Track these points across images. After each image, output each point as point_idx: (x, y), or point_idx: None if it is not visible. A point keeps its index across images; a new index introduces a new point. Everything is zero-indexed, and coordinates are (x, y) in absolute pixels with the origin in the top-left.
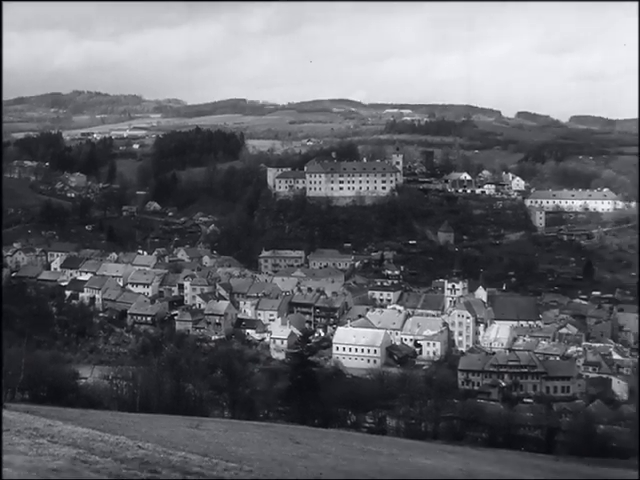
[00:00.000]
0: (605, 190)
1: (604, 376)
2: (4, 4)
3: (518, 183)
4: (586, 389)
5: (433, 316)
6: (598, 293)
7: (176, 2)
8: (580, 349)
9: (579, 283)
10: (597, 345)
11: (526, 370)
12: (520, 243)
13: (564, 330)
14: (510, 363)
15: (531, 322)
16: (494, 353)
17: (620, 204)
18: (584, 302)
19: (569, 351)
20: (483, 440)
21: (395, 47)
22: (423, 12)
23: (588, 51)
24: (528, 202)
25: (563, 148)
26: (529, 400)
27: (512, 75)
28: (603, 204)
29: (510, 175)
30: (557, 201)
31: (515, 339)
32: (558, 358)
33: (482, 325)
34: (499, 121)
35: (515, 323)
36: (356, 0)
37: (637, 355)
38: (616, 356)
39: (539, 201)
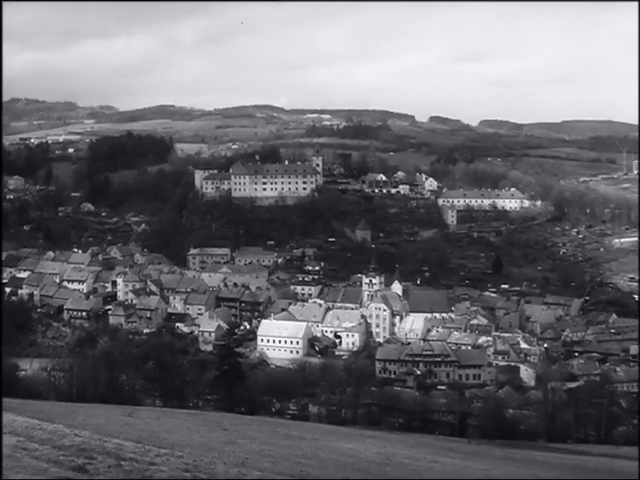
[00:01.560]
0: (512, 190)
1: (512, 364)
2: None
3: (431, 183)
4: (496, 376)
5: (352, 309)
6: (506, 286)
7: (114, 13)
8: (490, 339)
9: (489, 277)
10: (506, 335)
11: (440, 359)
12: (433, 240)
13: (475, 321)
14: (424, 352)
15: (444, 314)
16: (409, 343)
17: (526, 203)
18: (493, 295)
19: (480, 341)
20: (400, 425)
21: (316, 56)
22: (344, 23)
23: (497, 60)
24: (440, 201)
25: (473, 150)
26: (442, 387)
27: (425, 82)
28: (511, 203)
29: (423, 176)
30: (467, 200)
31: (429, 330)
32: (469, 347)
33: (398, 317)
34: (413, 125)
35: (429, 315)
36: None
37: (543, 344)
38: (524, 345)
39: (451, 200)
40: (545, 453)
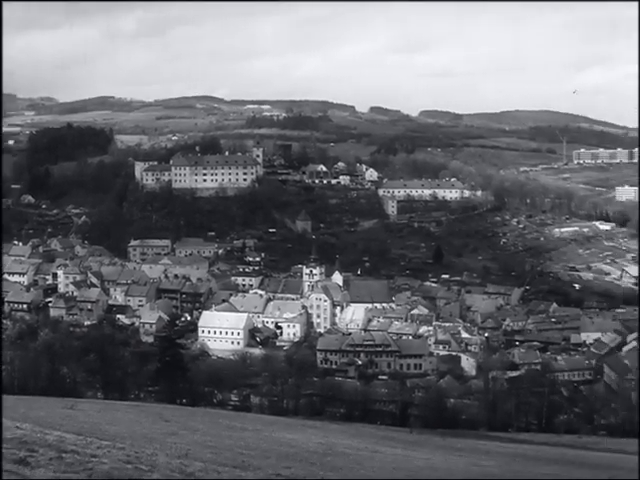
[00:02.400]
0: (453, 180)
1: (454, 353)
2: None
3: (371, 174)
4: (437, 366)
5: (293, 300)
6: (447, 276)
7: (54, 5)
8: (431, 329)
9: (429, 267)
10: (447, 325)
11: (381, 349)
12: (373, 230)
13: (415, 311)
14: (365, 343)
15: (385, 304)
16: (350, 333)
17: (467, 193)
18: (434, 285)
19: (421, 331)
20: (341, 415)
21: (258, 46)
22: (285, 13)
23: (437, 50)
24: (381, 192)
25: (413, 141)
26: (384, 377)
27: (366, 72)
28: (451, 193)
29: (364, 166)
30: (408, 190)
31: (370, 320)
32: (410, 337)
33: (339, 307)
34: (353, 116)
35: (370, 305)
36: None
37: (484, 333)
38: (465, 335)
39: (391, 190)
40: (487, 442)
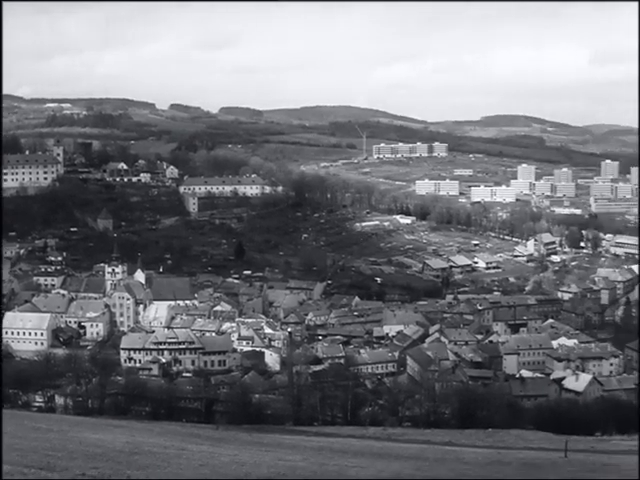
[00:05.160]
0: (253, 176)
1: (257, 349)
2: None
3: (172, 171)
4: (241, 362)
5: (95, 299)
6: (249, 272)
7: None
8: (234, 325)
9: (231, 263)
10: (250, 320)
11: (184, 346)
12: (175, 227)
13: (218, 307)
14: (169, 340)
15: (187, 301)
16: (154, 331)
17: (267, 189)
18: (236, 281)
19: (224, 327)
20: (147, 413)
21: (60, 44)
22: (90, 11)
23: (239, 47)
24: (182, 189)
25: (213, 137)
26: (188, 374)
27: (168, 70)
28: (252, 189)
29: (164, 164)
30: (209, 187)
31: (173, 318)
32: (214, 334)
33: (142, 305)
34: (153, 113)
35: (172, 303)
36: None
37: (287, 328)
38: (268, 330)
39: (192, 187)
40: (293, 436)
